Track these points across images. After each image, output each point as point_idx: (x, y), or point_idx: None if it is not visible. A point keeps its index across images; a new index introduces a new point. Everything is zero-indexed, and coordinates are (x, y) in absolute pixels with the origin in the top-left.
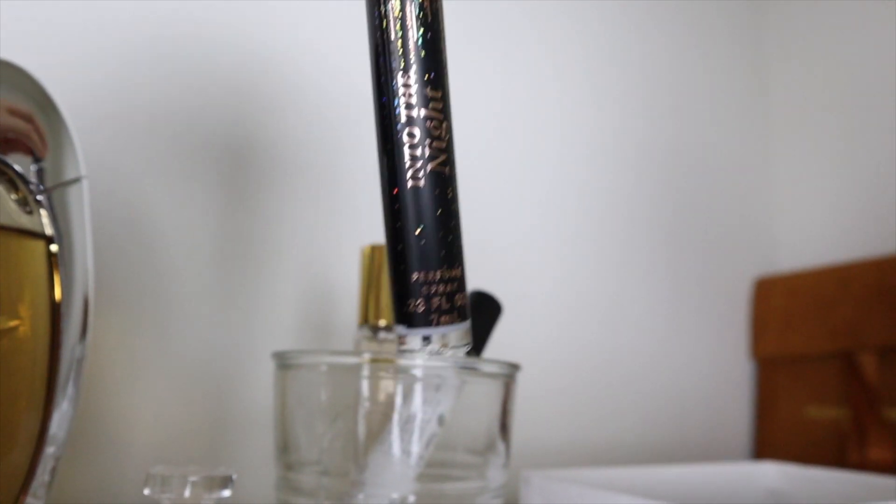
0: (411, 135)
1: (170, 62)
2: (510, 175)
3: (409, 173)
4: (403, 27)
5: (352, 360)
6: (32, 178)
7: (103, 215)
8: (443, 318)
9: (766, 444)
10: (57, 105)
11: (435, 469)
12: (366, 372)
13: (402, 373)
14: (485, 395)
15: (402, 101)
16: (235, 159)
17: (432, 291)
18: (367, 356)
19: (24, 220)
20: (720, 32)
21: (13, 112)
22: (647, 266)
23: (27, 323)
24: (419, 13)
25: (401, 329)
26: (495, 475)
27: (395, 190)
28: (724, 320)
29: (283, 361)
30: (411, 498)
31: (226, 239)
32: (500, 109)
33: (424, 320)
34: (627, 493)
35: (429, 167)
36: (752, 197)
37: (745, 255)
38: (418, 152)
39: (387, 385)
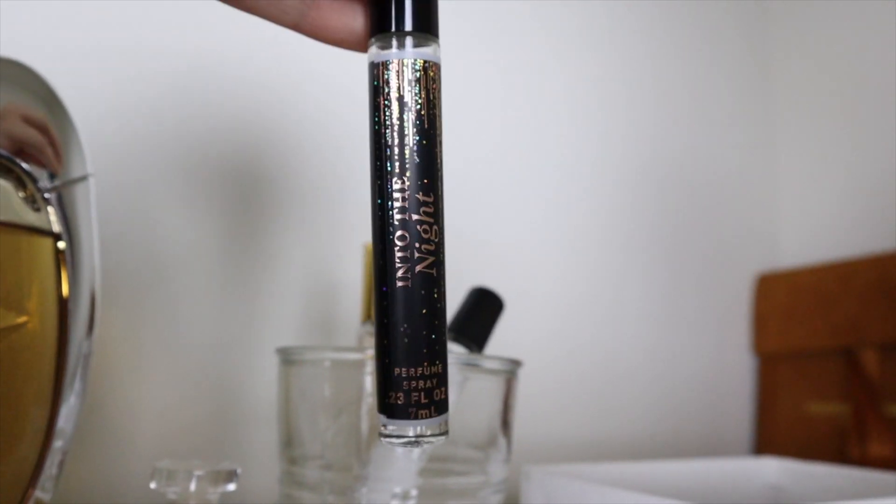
0: (402, 238)
1: (175, 69)
2: (512, 172)
3: (399, 273)
4: (401, 134)
5: (355, 355)
6: (40, 176)
7: (110, 213)
8: (421, 412)
9: (767, 440)
10: (64, 103)
11: (437, 464)
12: (369, 368)
13: None
14: (486, 390)
15: (396, 204)
16: (240, 157)
17: (412, 386)
18: (369, 352)
19: (31, 218)
20: (725, 31)
21: (28, 120)
22: (648, 262)
23: (35, 319)
24: (416, 121)
25: (382, 419)
26: (496, 470)
27: (385, 288)
28: (726, 316)
29: (287, 357)
30: (413, 492)
31: (230, 235)
32: (504, 109)
33: (404, 413)
34: (628, 489)
35: (417, 268)
36: (754, 193)
37: (746, 250)
38: (408, 254)
39: None
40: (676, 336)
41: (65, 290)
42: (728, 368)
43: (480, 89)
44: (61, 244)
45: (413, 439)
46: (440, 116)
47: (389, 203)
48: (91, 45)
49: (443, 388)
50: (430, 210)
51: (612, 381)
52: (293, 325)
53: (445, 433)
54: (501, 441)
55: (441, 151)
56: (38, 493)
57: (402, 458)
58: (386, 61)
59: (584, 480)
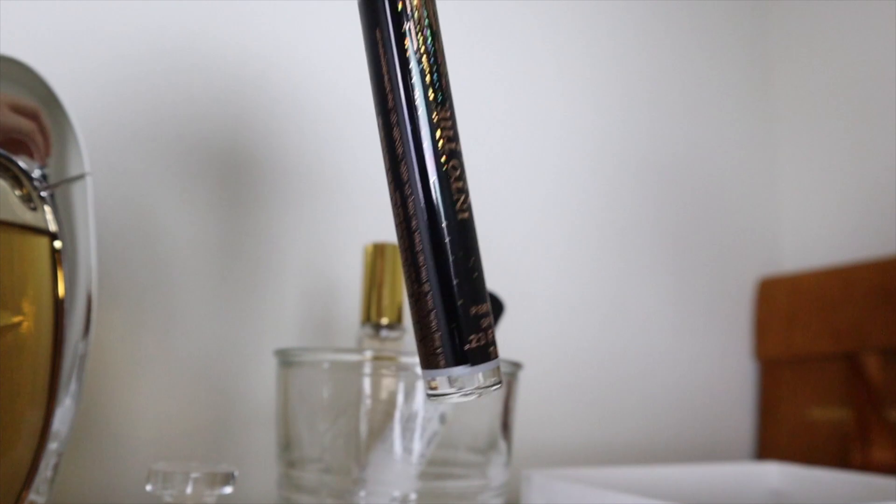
0: (455, 167)
1: (174, 67)
2: (515, 175)
3: (458, 205)
4: (437, 60)
5: (354, 357)
6: (37, 175)
7: (108, 213)
8: (494, 350)
9: (769, 445)
10: (61, 101)
11: (436, 467)
12: (368, 369)
13: (404, 370)
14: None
15: (448, 133)
16: (238, 158)
17: (486, 325)
18: (369, 354)
19: (27, 217)
20: (726, 35)
21: (17, 110)
22: (650, 266)
23: (30, 319)
24: (441, 48)
25: (457, 370)
26: (497, 474)
27: (444, 223)
28: (728, 321)
29: (286, 359)
30: (413, 496)
31: (229, 237)
32: (505, 110)
33: (484, 355)
34: (629, 493)
35: (469, 201)
36: (756, 198)
37: (748, 255)
38: (461, 184)
39: (389, 383)
40: (678, 341)
41: (61, 290)
42: (730, 373)
43: (485, 91)
44: (57, 244)
45: (495, 382)
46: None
47: (439, 133)
48: (89, 43)
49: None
50: (460, 148)
51: (613, 386)
52: (292, 326)
53: (500, 381)
54: (502, 444)
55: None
56: (32, 496)
57: (401, 461)
58: None
59: (585, 484)
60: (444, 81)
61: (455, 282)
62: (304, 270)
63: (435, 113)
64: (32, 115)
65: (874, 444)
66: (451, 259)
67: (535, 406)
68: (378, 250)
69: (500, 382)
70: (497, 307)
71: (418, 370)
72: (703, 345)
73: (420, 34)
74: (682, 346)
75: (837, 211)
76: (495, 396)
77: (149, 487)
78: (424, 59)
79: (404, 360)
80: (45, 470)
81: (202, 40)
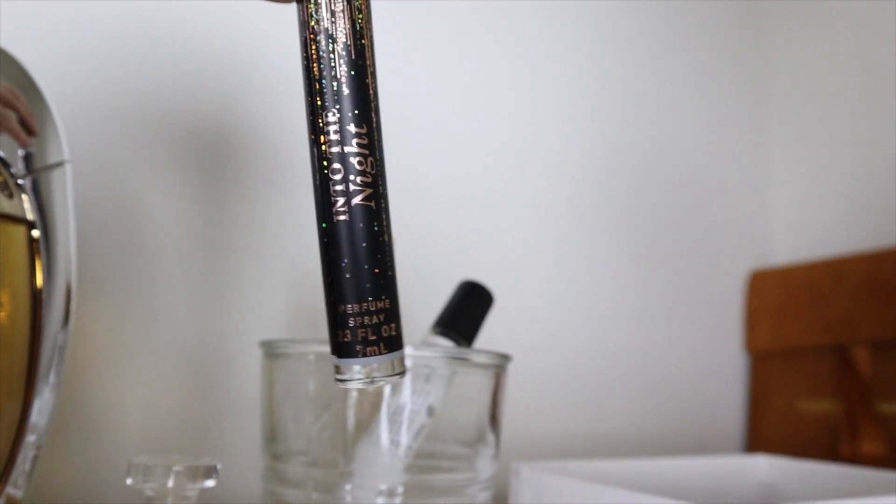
0: (337, 170)
1: (160, 55)
2: (507, 169)
3: (336, 206)
4: (328, 66)
5: None
6: (14, 162)
7: (92, 204)
8: (369, 350)
9: (759, 437)
10: (40, 88)
11: (424, 460)
12: None
13: None
14: (475, 385)
15: (330, 137)
16: (224, 148)
17: (358, 323)
18: None
19: (4, 205)
20: (718, 29)
21: None
22: (641, 258)
23: (7, 310)
24: (343, 52)
25: (333, 359)
26: (485, 467)
27: (325, 224)
28: (718, 313)
29: (271, 350)
30: (399, 489)
31: (215, 228)
32: (499, 105)
33: (352, 351)
34: (619, 486)
35: (354, 201)
36: (747, 191)
37: (739, 248)
38: (344, 187)
39: None
40: (668, 333)
41: (39, 280)
42: (720, 366)
43: (477, 89)
44: (35, 233)
45: (365, 378)
46: (370, 47)
47: (323, 137)
48: (71, 30)
49: (393, 325)
50: (365, 141)
51: (602, 378)
52: (279, 318)
53: (401, 373)
54: (490, 437)
55: (374, 82)
56: (9, 490)
57: (388, 454)
58: None
59: (574, 477)
60: (332, 86)
61: (329, 280)
62: (292, 261)
63: (319, 119)
64: (9, 102)
65: (863, 436)
66: (326, 258)
67: (525, 399)
68: None
69: (371, 381)
70: (486, 299)
71: (407, 361)
72: (693, 337)
73: (313, 42)
74: (672, 338)
75: (828, 204)
76: (483, 389)
77: (129, 481)
78: (314, 66)
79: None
80: (24, 463)
81: (189, 30)
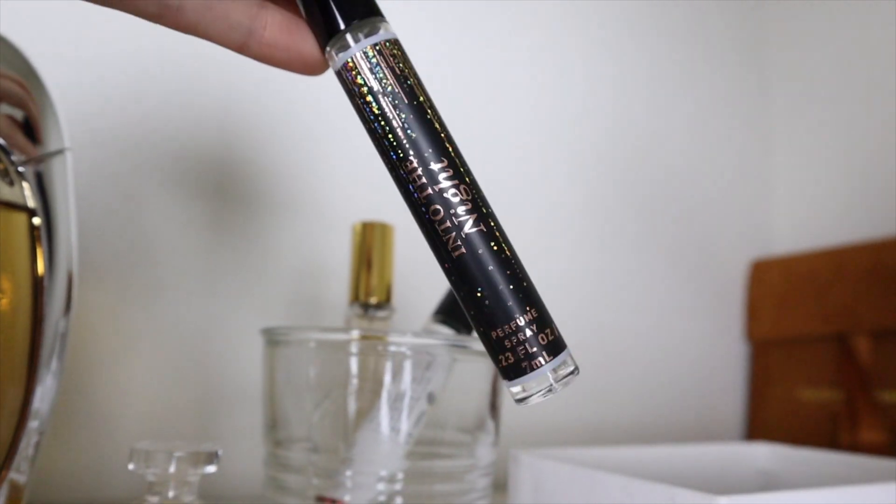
0: (436, 212)
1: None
2: (508, 156)
3: (450, 245)
4: (387, 121)
5: (341, 336)
6: (14, 150)
7: (94, 191)
8: (535, 363)
9: (759, 426)
10: (40, 76)
11: (424, 447)
12: (355, 349)
13: (392, 350)
14: (475, 372)
15: (417, 183)
16: (227, 136)
17: (514, 342)
18: (356, 333)
19: (5, 192)
20: (719, 18)
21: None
22: (642, 248)
23: (8, 297)
24: (394, 101)
25: (506, 383)
26: (484, 453)
27: (447, 265)
28: (719, 302)
29: (272, 337)
30: (400, 475)
31: (217, 216)
32: (501, 100)
33: (519, 370)
34: (618, 473)
35: (464, 232)
36: (748, 180)
37: (740, 237)
38: (449, 224)
39: (376, 362)
40: (669, 322)
41: (40, 267)
42: (721, 354)
43: (478, 85)
44: (36, 220)
45: (540, 391)
46: (419, 85)
47: (411, 186)
48: (76, 19)
49: (547, 330)
50: (450, 172)
51: (604, 366)
52: (280, 306)
53: (575, 369)
54: (489, 424)
55: (436, 114)
56: (13, 475)
57: (388, 440)
58: (347, 61)
59: (573, 464)
60: (400, 136)
61: (471, 313)
62: (293, 250)
63: (402, 170)
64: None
65: (863, 425)
66: (462, 294)
67: None
68: (367, 229)
69: (550, 390)
70: None
71: (405, 349)
72: (694, 326)
73: (367, 105)
74: (673, 327)
75: (829, 193)
76: (483, 376)
77: (131, 466)
78: (379, 125)
79: (392, 338)
80: (27, 448)
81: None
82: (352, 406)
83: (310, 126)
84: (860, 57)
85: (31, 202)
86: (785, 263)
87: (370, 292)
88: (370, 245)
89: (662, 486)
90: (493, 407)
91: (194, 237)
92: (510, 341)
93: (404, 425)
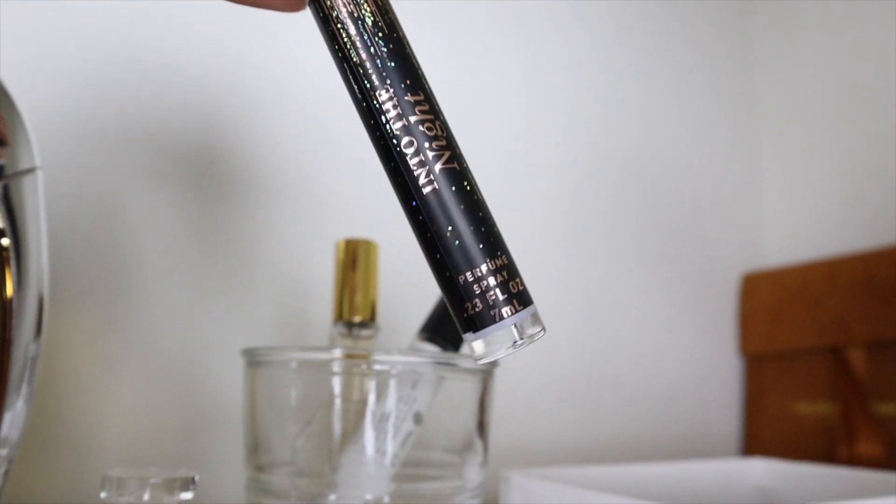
0: (410, 143)
1: (144, 61)
2: (499, 169)
3: (421, 180)
4: (365, 46)
5: (323, 355)
6: None
7: (75, 212)
8: (505, 310)
9: (755, 441)
10: (9, 93)
11: (411, 469)
12: (338, 368)
13: (377, 368)
14: (462, 391)
15: (391, 114)
16: (209, 155)
17: (484, 287)
18: (338, 352)
19: None
20: (707, 31)
21: None
22: (634, 262)
23: None
24: (374, 29)
25: (469, 336)
26: (473, 474)
27: (414, 202)
28: (712, 316)
29: (253, 358)
30: (386, 499)
31: (199, 235)
32: (492, 106)
33: (488, 318)
34: (612, 492)
35: (437, 168)
36: (738, 193)
37: (731, 250)
38: (422, 157)
39: (360, 382)
40: (662, 337)
41: (8, 290)
42: (714, 369)
43: (468, 90)
44: (5, 241)
45: (509, 343)
46: (398, 22)
47: (384, 117)
48: (52, 35)
49: (517, 279)
50: (426, 107)
51: (595, 383)
52: (264, 326)
53: (543, 328)
54: (478, 444)
55: (413, 52)
56: None
57: (373, 463)
58: None
59: (566, 484)
60: (375, 64)
61: (437, 256)
62: (277, 270)
63: (374, 101)
64: None
65: (860, 438)
66: (426, 236)
67: (515, 404)
68: (350, 246)
69: (519, 342)
70: None
71: (391, 368)
72: (687, 341)
73: (343, 30)
74: (666, 342)
75: (820, 205)
76: (471, 395)
77: (103, 494)
78: (352, 52)
79: (375, 358)
80: None
81: (169, 35)
82: (336, 428)
83: (295, 142)
84: (851, 67)
85: None
86: (777, 276)
87: (354, 311)
88: (354, 263)
89: None
90: (482, 426)
91: (175, 258)
92: (479, 286)
93: (390, 447)
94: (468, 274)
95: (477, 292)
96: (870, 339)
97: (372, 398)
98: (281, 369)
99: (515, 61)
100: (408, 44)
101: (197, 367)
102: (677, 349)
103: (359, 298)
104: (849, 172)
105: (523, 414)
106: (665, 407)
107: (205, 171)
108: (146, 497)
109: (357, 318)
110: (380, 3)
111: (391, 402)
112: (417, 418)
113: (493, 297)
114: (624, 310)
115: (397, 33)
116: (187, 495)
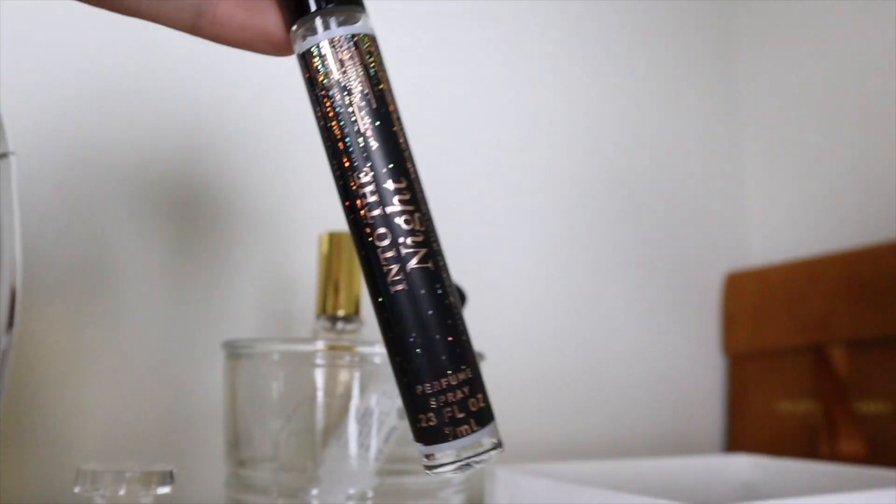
0: (383, 236)
1: (122, 63)
2: (480, 169)
3: (391, 277)
4: (349, 122)
5: (306, 347)
6: None
7: (54, 206)
8: (460, 430)
9: (738, 439)
10: None
11: (394, 463)
12: (321, 360)
13: (360, 361)
14: None
15: (368, 200)
16: (190, 149)
17: (441, 402)
18: (321, 344)
19: None
20: (689, 30)
21: None
22: (617, 260)
23: None
24: (362, 103)
25: (421, 448)
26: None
27: (380, 298)
28: (696, 315)
29: (234, 350)
30: (369, 493)
31: (181, 229)
32: (477, 109)
33: (440, 435)
34: (597, 487)
35: (409, 266)
36: (721, 192)
37: (715, 249)
38: (395, 252)
39: (343, 376)
40: (645, 335)
41: None
42: (698, 367)
43: (455, 94)
44: None
45: (460, 462)
46: (390, 92)
47: (360, 201)
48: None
49: (479, 395)
50: (406, 196)
51: (580, 380)
52: (247, 321)
53: (498, 445)
54: None
55: (402, 129)
56: None
57: (357, 457)
58: (311, 48)
59: (551, 479)
60: (357, 143)
61: (397, 359)
62: (260, 264)
63: (352, 182)
64: None
65: (842, 435)
66: (390, 336)
67: (500, 400)
68: (333, 239)
69: (468, 464)
70: (459, 298)
71: (375, 360)
72: (670, 339)
73: (326, 98)
74: (649, 340)
75: (803, 204)
76: None
77: (77, 489)
78: (333, 124)
79: (359, 349)
80: None
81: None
82: (319, 422)
83: (278, 136)
84: (832, 68)
85: None
86: (760, 275)
87: (338, 305)
88: (337, 256)
89: (644, 499)
90: None
91: (158, 252)
92: (437, 401)
93: (374, 441)
94: (427, 385)
95: (433, 406)
96: (851, 338)
97: (356, 392)
98: (262, 362)
99: (499, 68)
100: (398, 119)
101: (177, 362)
102: (662, 347)
103: (343, 292)
104: (831, 172)
105: (508, 410)
106: (649, 404)
107: (188, 164)
108: (122, 492)
109: (341, 313)
110: (371, 71)
111: (375, 396)
112: (402, 413)
113: (450, 414)
114: (608, 308)
115: (386, 108)
116: (164, 490)
